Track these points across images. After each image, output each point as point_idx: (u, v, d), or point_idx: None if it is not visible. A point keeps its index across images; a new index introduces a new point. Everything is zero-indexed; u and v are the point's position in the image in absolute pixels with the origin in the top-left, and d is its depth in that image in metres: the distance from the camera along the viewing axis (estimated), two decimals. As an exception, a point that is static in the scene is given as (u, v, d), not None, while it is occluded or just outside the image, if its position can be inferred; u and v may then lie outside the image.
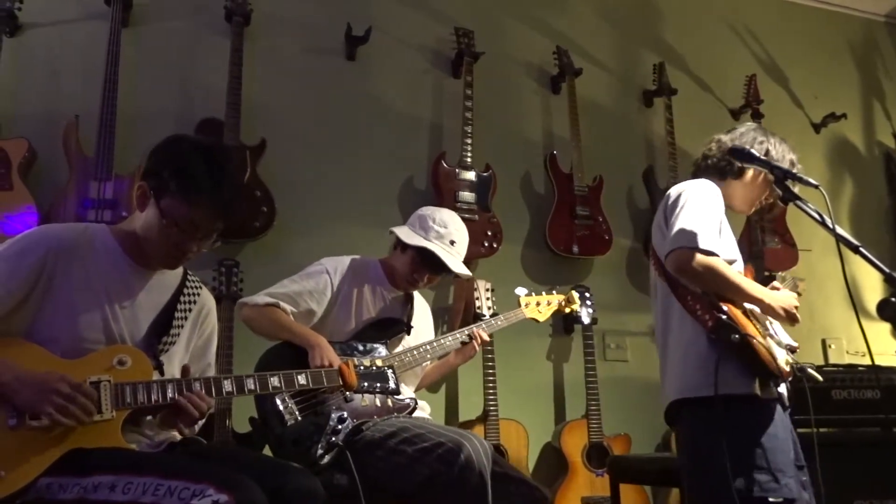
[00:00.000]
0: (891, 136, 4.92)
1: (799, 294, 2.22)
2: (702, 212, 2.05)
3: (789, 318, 2.10)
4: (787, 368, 1.99)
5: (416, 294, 2.79)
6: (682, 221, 2.03)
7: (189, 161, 1.76)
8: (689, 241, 1.98)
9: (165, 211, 1.75)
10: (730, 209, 2.23)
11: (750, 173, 2.19)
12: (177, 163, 1.77)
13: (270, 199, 3.27)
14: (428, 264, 2.59)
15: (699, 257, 1.97)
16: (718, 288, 2.02)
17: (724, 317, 1.95)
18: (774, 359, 1.94)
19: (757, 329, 2.00)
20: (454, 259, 2.59)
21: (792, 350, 2.10)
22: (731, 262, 2.09)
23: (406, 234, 2.60)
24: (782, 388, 2.01)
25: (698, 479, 2.01)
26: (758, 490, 1.83)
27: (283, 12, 3.69)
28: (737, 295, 2.03)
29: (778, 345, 2.04)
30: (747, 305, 2.07)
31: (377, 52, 3.77)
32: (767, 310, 2.08)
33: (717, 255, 1.99)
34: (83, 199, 2.95)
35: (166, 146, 1.82)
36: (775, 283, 2.23)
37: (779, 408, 1.98)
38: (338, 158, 3.61)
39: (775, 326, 2.16)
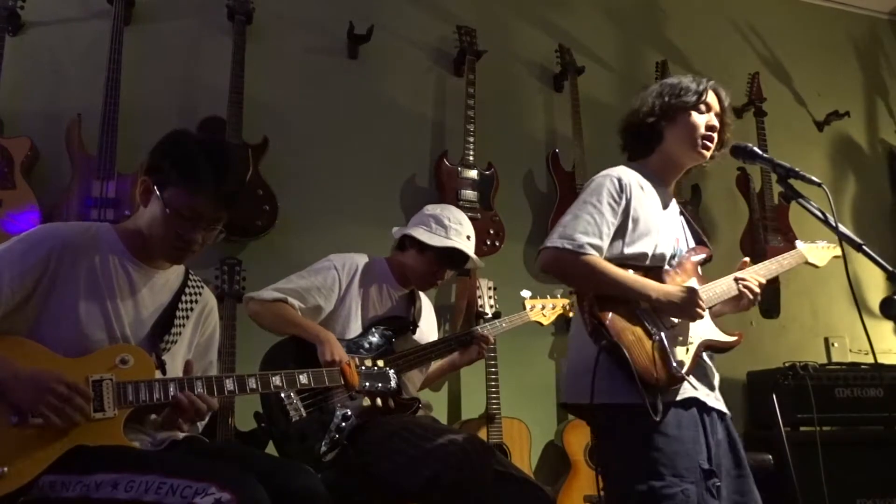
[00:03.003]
0: (894, 134, 4.91)
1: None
2: (583, 209, 1.98)
3: (687, 314, 1.94)
4: (682, 372, 1.88)
5: (421, 293, 2.79)
6: (562, 219, 2.00)
7: (190, 152, 1.79)
8: (552, 241, 1.96)
9: (168, 202, 1.76)
10: (684, 166, 2.14)
11: (671, 129, 2.08)
12: (178, 154, 1.79)
13: (273, 197, 3.27)
14: (450, 262, 2.63)
15: (559, 255, 1.93)
16: (586, 286, 1.96)
17: (596, 321, 1.90)
18: (655, 365, 1.85)
19: (638, 334, 1.90)
20: (439, 238, 2.61)
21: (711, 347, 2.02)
22: (641, 256, 2.00)
23: (427, 237, 2.60)
24: (696, 391, 1.92)
25: (606, 482, 1.98)
26: (651, 496, 1.79)
27: (285, 11, 3.69)
28: (610, 291, 1.92)
29: (675, 347, 1.92)
30: (644, 308, 1.95)
31: (379, 50, 3.77)
32: (658, 306, 1.94)
33: (589, 254, 1.91)
34: (86, 197, 2.95)
35: (166, 140, 1.84)
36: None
37: (688, 410, 1.89)
38: (340, 157, 3.61)
39: (693, 326, 2.00)
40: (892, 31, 5.21)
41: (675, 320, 1.97)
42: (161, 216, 1.78)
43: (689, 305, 1.92)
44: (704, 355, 2.03)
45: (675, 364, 1.88)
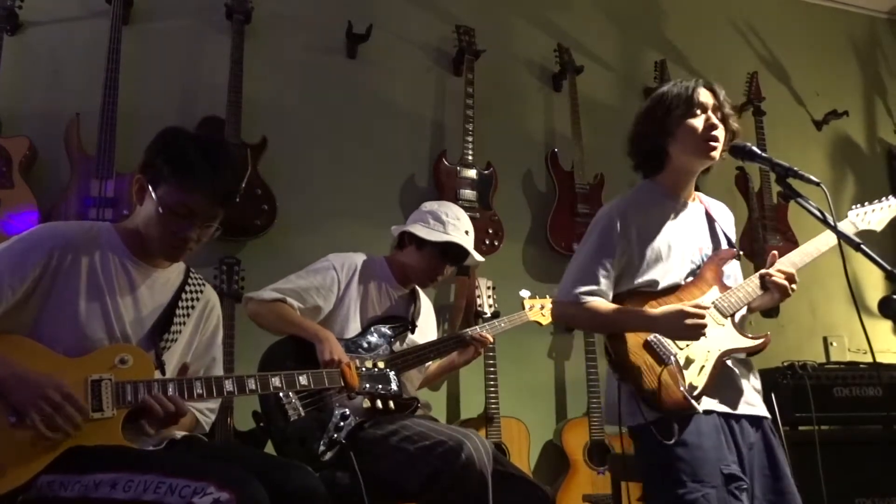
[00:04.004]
0: (892, 133, 4.91)
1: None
2: (578, 257, 2.07)
3: (682, 334, 1.93)
4: (694, 394, 1.92)
5: (421, 293, 2.79)
6: (567, 270, 2.09)
7: (184, 149, 1.78)
8: (559, 294, 2.08)
9: (162, 199, 1.76)
10: (696, 172, 2.11)
11: (674, 144, 2.05)
12: (171, 152, 1.79)
13: (271, 197, 3.27)
14: (450, 258, 2.62)
15: (560, 309, 2.11)
16: (592, 330, 2.10)
17: (609, 357, 2.01)
18: (666, 392, 1.91)
19: (648, 362, 1.95)
20: (438, 233, 2.61)
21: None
22: (653, 283, 2.02)
23: (425, 232, 2.60)
24: (712, 403, 1.94)
25: (645, 494, 2.07)
26: (675, 502, 1.84)
27: (284, 10, 3.69)
28: (613, 330, 2.00)
29: (687, 369, 1.95)
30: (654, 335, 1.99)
31: (378, 50, 3.77)
32: (661, 333, 1.96)
33: (583, 303, 1.98)
34: (84, 197, 2.95)
35: (160, 138, 1.84)
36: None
37: (709, 419, 1.92)
38: (339, 156, 3.61)
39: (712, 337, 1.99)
40: (891, 31, 5.22)
41: (688, 341, 1.97)
42: (155, 214, 1.77)
43: (679, 328, 1.90)
44: (730, 362, 2.02)
45: (684, 389, 1.91)
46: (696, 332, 1.90)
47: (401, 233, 2.68)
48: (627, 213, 2.05)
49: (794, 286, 2.06)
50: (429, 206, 2.73)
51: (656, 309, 1.96)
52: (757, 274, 2.10)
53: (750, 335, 2.05)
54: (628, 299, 2.03)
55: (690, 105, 2.02)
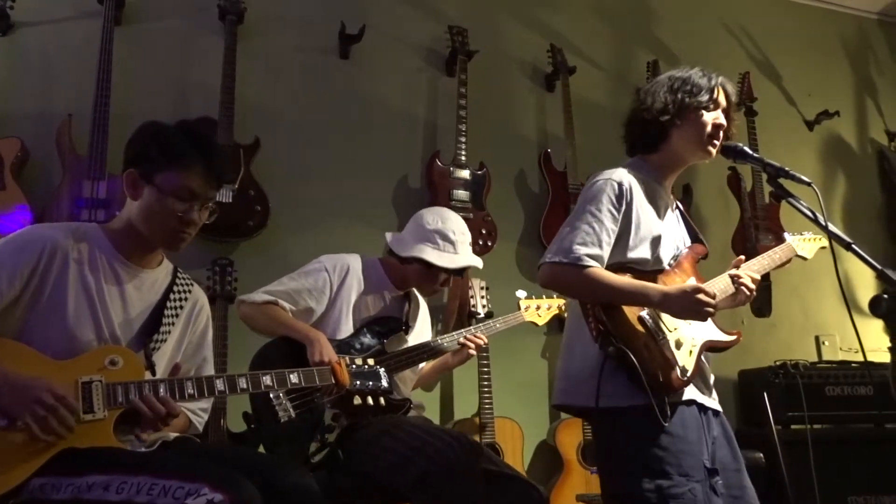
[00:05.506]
0: (883, 134, 4.94)
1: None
2: (581, 219, 1.93)
3: (693, 313, 1.87)
4: (687, 376, 1.88)
5: (416, 294, 2.79)
6: (560, 231, 1.96)
7: (173, 137, 1.84)
8: (549, 256, 1.92)
9: (162, 187, 1.79)
10: (686, 164, 2.10)
11: (679, 128, 2.02)
12: (161, 141, 1.83)
13: (264, 197, 3.26)
14: (456, 272, 2.64)
15: (556, 271, 1.89)
16: (588, 299, 1.92)
17: (601, 328, 1.87)
18: (661, 371, 1.85)
19: (643, 340, 1.88)
20: (450, 256, 2.58)
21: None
22: (643, 261, 1.97)
23: (437, 257, 2.55)
24: (693, 393, 1.91)
25: (608, 482, 1.97)
26: (658, 496, 1.78)
27: (276, 11, 3.68)
28: (612, 301, 1.89)
29: (678, 351, 1.91)
30: (649, 313, 1.92)
31: (371, 50, 3.77)
32: (662, 309, 1.90)
33: (587, 266, 1.86)
34: (76, 198, 2.94)
35: (142, 132, 1.88)
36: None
37: (690, 409, 1.90)
38: (332, 157, 3.61)
39: (696, 327, 1.98)
40: (881, 31, 5.24)
41: (677, 324, 1.95)
42: (157, 203, 1.79)
43: (695, 304, 1.84)
44: (703, 356, 2.02)
45: (679, 369, 1.88)
46: (705, 312, 1.85)
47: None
48: (633, 187, 1.99)
49: (754, 293, 2.10)
50: (432, 221, 2.63)
51: (668, 286, 1.92)
52: (726, 273, 2.11)
53: (723, 331, 2.07)
54: (616, 273, 1.94)
55: (711, 99, 2.02)
